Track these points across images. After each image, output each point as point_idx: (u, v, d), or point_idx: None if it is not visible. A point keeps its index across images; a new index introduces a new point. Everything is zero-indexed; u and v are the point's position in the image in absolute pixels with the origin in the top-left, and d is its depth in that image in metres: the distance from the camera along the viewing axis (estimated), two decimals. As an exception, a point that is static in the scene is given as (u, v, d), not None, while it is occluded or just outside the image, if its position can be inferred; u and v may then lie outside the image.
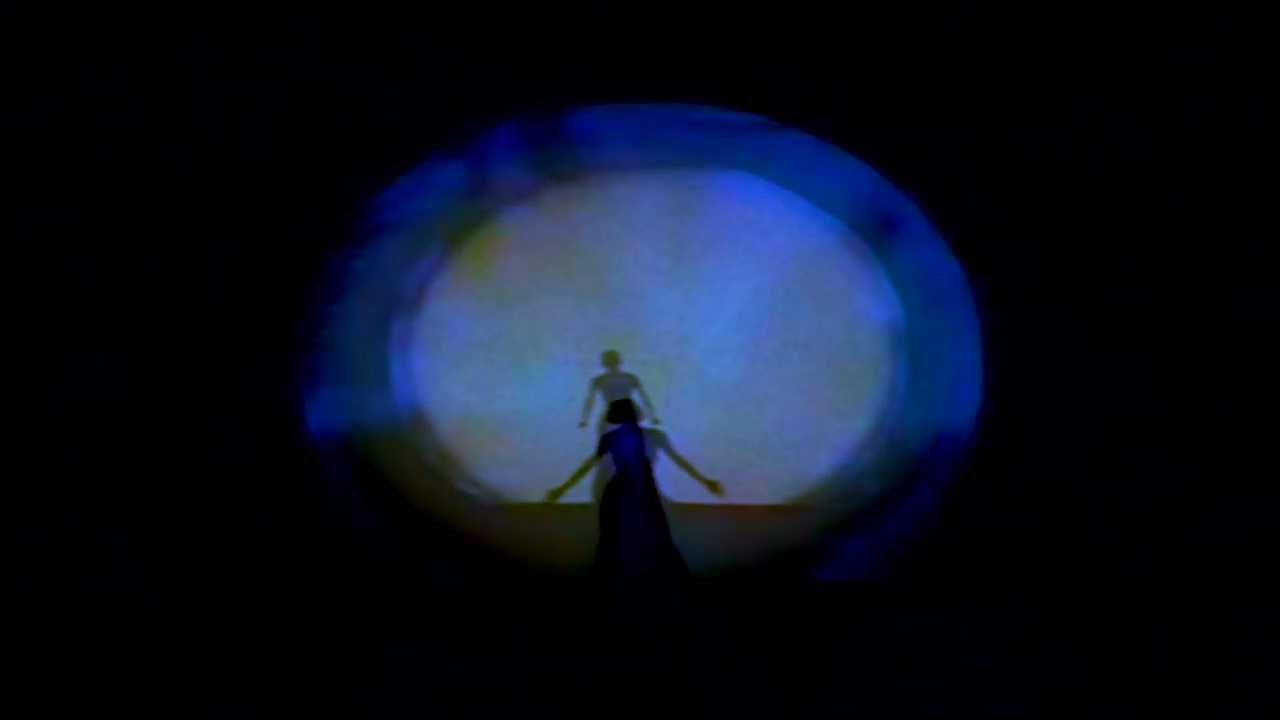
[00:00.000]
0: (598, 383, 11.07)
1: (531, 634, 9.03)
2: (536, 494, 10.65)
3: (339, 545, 10.12)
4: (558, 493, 9.23)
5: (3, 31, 9.90)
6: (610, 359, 11.12)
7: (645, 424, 9.53)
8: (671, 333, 10.90)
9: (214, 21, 10.09)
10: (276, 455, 10.15)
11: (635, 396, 10.81)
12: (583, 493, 10.63)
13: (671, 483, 9.53)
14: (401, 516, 10.64)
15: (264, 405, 10.18)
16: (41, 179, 10.10)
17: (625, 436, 9.34)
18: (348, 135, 10.19)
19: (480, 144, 10.54)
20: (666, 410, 10.26)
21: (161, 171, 10.14)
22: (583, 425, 10.89)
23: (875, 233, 10.78)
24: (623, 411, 9.39)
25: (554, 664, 8.36)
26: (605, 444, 9.37)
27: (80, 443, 9.93)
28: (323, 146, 10.18)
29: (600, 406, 10.97)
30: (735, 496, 10.46)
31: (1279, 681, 8.07)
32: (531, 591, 10.11)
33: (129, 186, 10.13)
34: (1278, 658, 8.47)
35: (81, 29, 10.04)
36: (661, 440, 9.38)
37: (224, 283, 10.10)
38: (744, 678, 8.13)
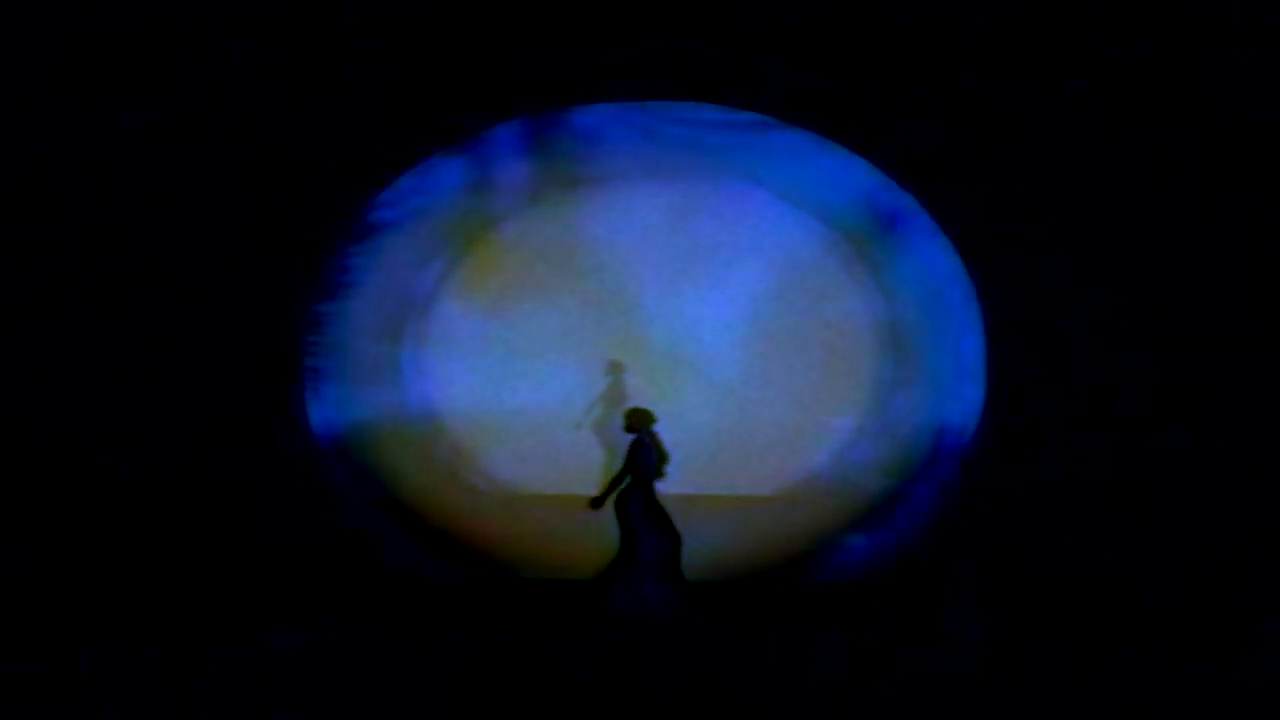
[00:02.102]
0: (606, 392, 11.19)
1: (533, 630, 9.06)
2: (541, 490, 10.74)
3: (342, 542, 10.17)
4: (601, 502, 9.41)
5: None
6: (615, 368, 11.20)
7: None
8: (672, 331, 10.91)
9: (216, 21, 10.15)
10: (279, 453, 10.19)
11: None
12: (584, 481, 10.68)
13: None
14: (404, 513, 10.66)
15: (267, 404, 10.23)
16: (43, 177, 10.16)
17: (644, 444, 9.51)
18: (350, 133, 10.23)
19: (482, 143, 10.59)
20: (667, 407, 10.25)
21: (163, 169, 10.18)
22: (578, 427, 11.06)
23: (876, 230, 10.81)
24: (645, 420, 9.57)
25: (553, 660, 8.38)
26: (635, 452, 9.53)
27: (79, 441, 9.98)
28: (324, 144, 10.21)
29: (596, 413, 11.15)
30: (731, 492, 10.56)
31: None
32: (536, 588, 10.16)
33: (131, 183, 10.18)
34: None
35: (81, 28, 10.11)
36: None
37: (225, 281, 10.14)
38: (740, 677, 8.13)
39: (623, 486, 9.49)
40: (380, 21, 10.20)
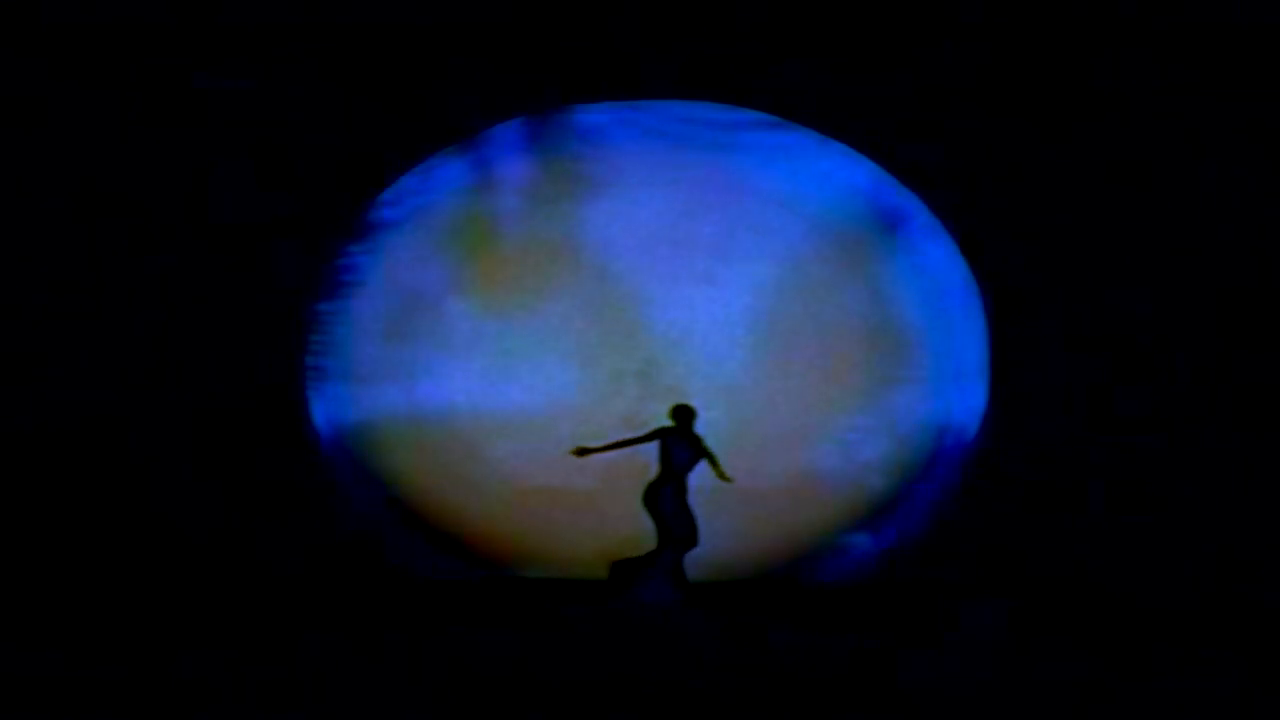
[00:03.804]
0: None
1: (536, 629, 9.07)
2: (544, 487, 10.73)
3: (346, 541, 10.18)
4: (586, 451, 9.72)
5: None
6: (648, 366, 11.22)
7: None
8: (674, 329, 10.90)
9: (218, 22, 10.15)
10: (281, 452, 10.21)
11: None
12: (587, 478, 10.68)
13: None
14: (408, 512, 10.68)
15: (269, 403, 10.24)
16: (44, 174, 10.16)
17: (684, 438, 9.65)
18: (352, 132, 10.24)
19: (485, 142, 10.62)
20: (667, 406, 10.30)
21: (165, 169, 10.19)
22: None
23: (878, 229, 10.80)
24: (680, 416, 9.71)
25: (553, 659, 8.38)
26: (662, 445, 9.65)
27: (80, 440, 9.98)
28: (327, 143, 10.23)
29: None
30: (735, 491, 10.56)
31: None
32: (539, 587, 10.19)
33: (133, 182, 10.18)
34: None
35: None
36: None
37: (228, 281, 10.15)
38: (740, 676, 8.13)
39: (654, 480, 9.62)
40: (382, 20, 10.21)
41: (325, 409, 10.57)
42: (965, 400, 10.56)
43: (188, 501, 9.95)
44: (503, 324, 10.87)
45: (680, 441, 9.66)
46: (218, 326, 10.11)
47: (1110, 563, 9.85)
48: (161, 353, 10.10)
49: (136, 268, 10.14)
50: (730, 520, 10.51)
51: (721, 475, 9.71)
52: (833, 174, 10.69)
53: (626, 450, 10.03)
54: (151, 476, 9.97)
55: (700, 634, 9.03)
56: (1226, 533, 9.87)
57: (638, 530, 9.74)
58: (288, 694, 7.59)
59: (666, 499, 9.56)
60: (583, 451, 9.73)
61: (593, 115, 10.65)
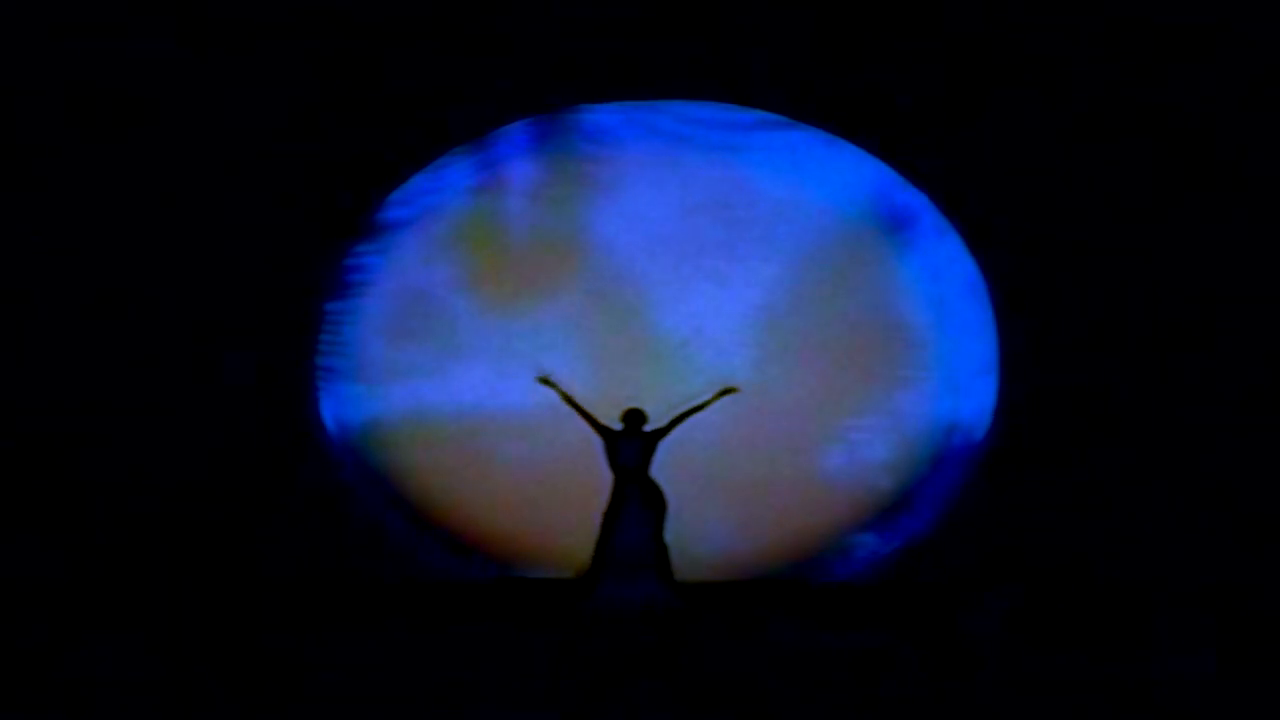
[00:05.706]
0: None
1: (526, 626, 9.09)
2: (549, 487, 10.76)
3: (354, 541, 10.23)
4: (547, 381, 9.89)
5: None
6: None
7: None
8: (682, 329, 10.90)
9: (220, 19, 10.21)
10: (290, 452, 10.26)
11: None
12: (592, 478, 10.67)
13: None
14: (416, 511, 10.72)
15: (278, 402, 10.29)
16: (48, 168, 10.22)
17: (626, 442, 9.61)
18: (360, 133, 10.28)
19: (492, 142, 10.65)
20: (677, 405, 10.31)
21: (175, 168, 10.24)
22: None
23: (888, 228, 10.80)
24: (625, 418, 9.67)
25: (544, 656, 8.40)
26: (612, 446, 9.62)
27: (83, 440, 10.05)
28: (335, 143, 10.27)
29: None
30: (742, 492, 10.57)
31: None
32: (531, 586, 10.24)
33: (141, 182, 10.24)
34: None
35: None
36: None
37: (236, 281, 10.20)
38: (744, 676, 8.13)
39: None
40: (389, 19, 10.25)
41: (334, 408, 10.61)
42: (973, 400, 10.55)
43: (193, 501, 9.99)
44: (510, 324, 10.89)
45: (630, 443, 9.63)
46: (226, 326, 10.17)
47: (1118, 561, 9.82)
48: (168, 352, 10.15)
49: (145, 267, 10.19)
50: (737, 520, 10.54)
51: (725, 391, 9.77)
52: (840, 173, 10.69)
53: None
54: (157, 476, 10.02)
55: (703, 633, 9.05)
56: (1233, 531, 9.84)
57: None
58: (289, 694, 7.62)
59: (622, 504, 9.58)
60: (547, 381, 9.86)
61: (600, 115, 10.68)
